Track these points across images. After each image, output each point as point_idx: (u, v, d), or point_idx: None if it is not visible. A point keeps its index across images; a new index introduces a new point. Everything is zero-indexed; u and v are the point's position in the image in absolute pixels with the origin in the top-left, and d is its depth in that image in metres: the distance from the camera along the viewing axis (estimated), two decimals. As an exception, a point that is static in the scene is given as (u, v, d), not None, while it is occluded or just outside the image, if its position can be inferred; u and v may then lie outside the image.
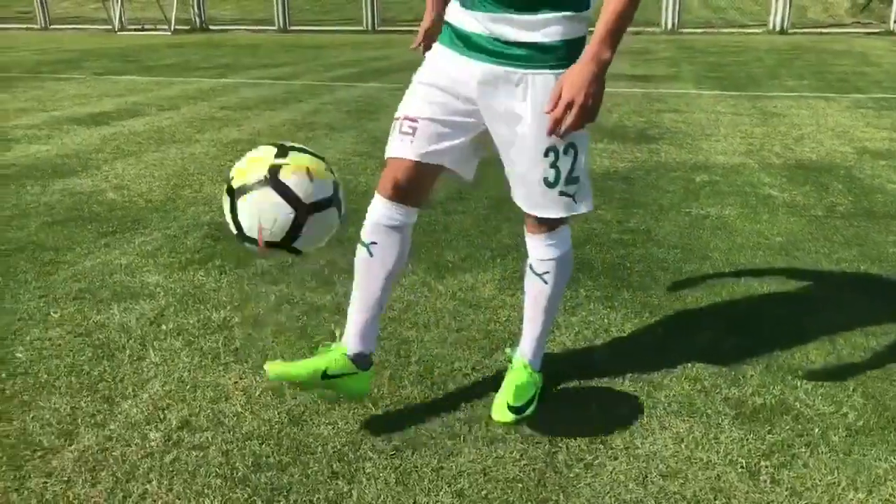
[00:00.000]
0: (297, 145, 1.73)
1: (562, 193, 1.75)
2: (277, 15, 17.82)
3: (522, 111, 1.70)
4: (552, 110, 1.55)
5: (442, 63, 1.79)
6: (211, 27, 18.31)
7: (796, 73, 8.97)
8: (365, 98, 7.39)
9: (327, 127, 5.94)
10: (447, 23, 1.80)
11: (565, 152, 1.70)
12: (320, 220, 1.66)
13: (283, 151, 1.67)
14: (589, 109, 1.54)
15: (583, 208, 1.80)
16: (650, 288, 2.77)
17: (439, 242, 3.24)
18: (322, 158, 1.73)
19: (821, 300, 2.70)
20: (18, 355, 2.31)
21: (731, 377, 2.14)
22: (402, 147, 1.77)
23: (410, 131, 1.76)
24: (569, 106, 1.53)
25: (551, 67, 1.66)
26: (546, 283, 1.90)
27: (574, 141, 1.70)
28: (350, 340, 1.89)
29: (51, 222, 3.60)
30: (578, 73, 1.54)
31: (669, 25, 15.55)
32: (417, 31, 2.10)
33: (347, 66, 10.17)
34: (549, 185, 1.74)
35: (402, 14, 16.93)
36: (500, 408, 1.92)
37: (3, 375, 2.19)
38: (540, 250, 1.89)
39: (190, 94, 7.77)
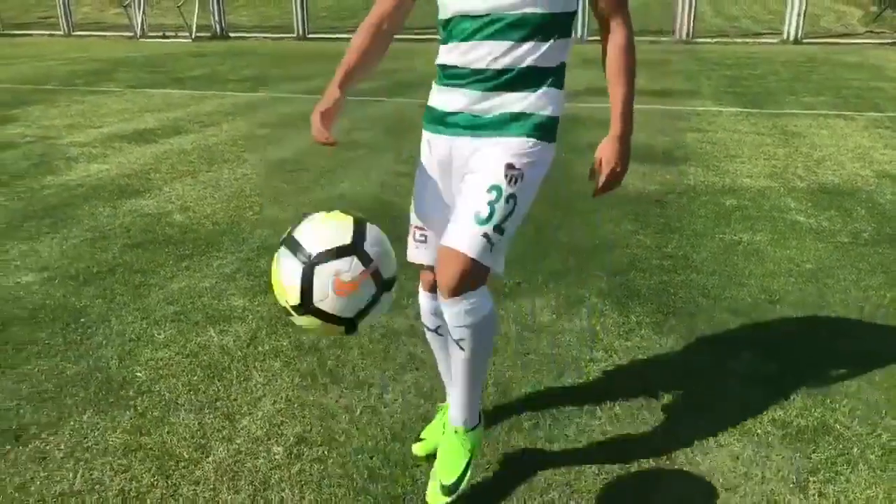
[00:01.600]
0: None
1: (484, 235, 1.71)
2: (296, 22, 18.12)
3: (486, 154, 1.77)
4: (595, 176, 1.85)
5: (430, 156, 1.93)
6: (230, 34, 18.63)
7: (813, 88, 9.21)
8: (397, 115, 7.67)
9: (367, 147, 6.23)
10: (430, 107, 1.93)
11: (507, 200, 1.72)
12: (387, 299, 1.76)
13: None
14: (622, 175, 1.86)
15: (495, 265, 1.76)
16: (695, 314, 3.05)
17: (495, 267, 3.51)
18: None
19: (852, 327, 2.97)
20: (139, 375, 2.60)
21: (775, 400, 2.41)
22: (419, 254, 1.99)
23: (423, 239, 1.96)
24: (610, 174, 1.83)
25: (525, 135, 1.76)
26: (463, 349, 1.81)
27: (517, 195, 1.74)
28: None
29: (130, 245, 3.89)
30: (615, 148, 1.83)
31: (684, 35, 15.78)
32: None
33: (373, 79, 10.44)
34: (479, 220, 1.71)
35: (417, 22, 17.18)
36: (433, 491, 1.93)
37: (132, 393, 2.48)
38: (455, 317, 1.76)
39: (226, 110, 8.08)
